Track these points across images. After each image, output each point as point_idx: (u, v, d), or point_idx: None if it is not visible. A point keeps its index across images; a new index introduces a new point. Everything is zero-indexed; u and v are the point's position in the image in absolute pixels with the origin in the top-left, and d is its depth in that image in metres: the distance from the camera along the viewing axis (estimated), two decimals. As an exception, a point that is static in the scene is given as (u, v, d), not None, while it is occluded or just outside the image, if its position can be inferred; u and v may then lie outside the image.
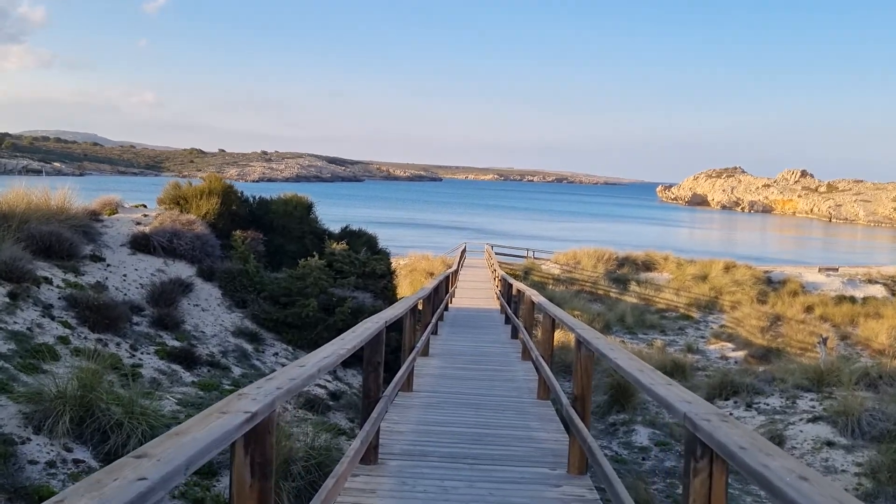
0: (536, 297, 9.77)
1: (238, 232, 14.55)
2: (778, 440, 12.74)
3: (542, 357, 8.14)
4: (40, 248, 11.65)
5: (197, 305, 12.75)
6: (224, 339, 11.72)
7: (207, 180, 15.63)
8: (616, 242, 53.06)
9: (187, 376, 9.58)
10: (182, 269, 13.77)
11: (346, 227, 18.10)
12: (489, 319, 18.36)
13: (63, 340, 8.93)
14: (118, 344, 9.69)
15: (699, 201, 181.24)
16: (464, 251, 38.78)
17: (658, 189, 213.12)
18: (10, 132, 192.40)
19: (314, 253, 14.10)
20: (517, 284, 13.83)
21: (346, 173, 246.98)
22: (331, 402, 10.38)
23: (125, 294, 11.81)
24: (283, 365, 11.87)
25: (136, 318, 10.99)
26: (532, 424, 7.17)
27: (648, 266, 42.07)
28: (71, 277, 11.30)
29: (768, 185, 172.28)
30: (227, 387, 9.52)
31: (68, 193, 13.52)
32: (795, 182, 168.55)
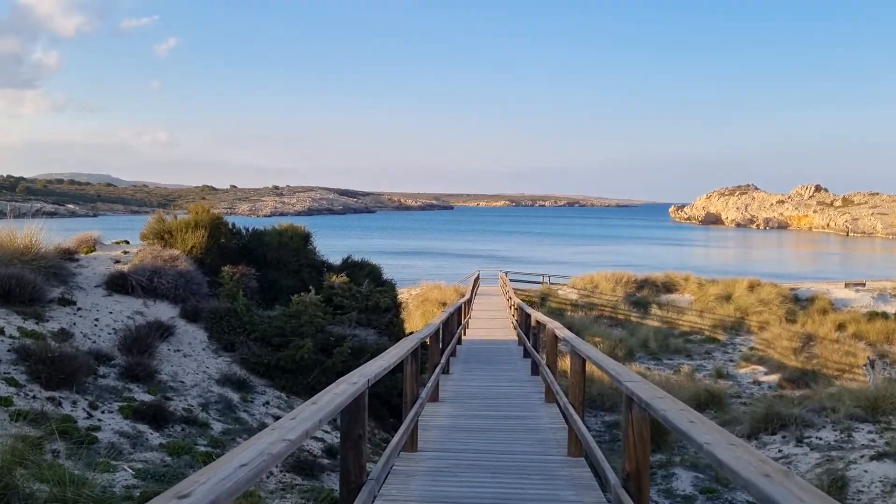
0: (561, 330, 8.34)
1: (227, 267, 13.23)
2: (840, 483, 11.17)
3: (573, 406, 6.70)
4: (-1, 292, 10.35)
5: (178, 351, 11.38)
6: (206, 389, 10.33)
7: (193, 212, 14.35)
8: (633, 265, 51.60)
9: (155, 438, 8.18)
10: (163, 311, 12.43)
11: (348, 257, 16.76)
12: (506, 353, 16.88)
13: (4, 402, 7.56)
14: (74, 402, 8.31)
15: (713, 220, 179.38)
16: (477, 279, 37.33)
17: (671, 209, 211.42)
18: (25, 176, 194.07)
19: (310, 287, 12.74)
20: (536, 315, 12.39)
21: (357, 205, 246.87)
22: (325, 461, 8.93)
23: (94, 342, 10.46)
24: (276, 417, 10.45)
25: (103, 370, 9.62)
26: (564, 495, 5.71)
27: (669, 287, 40.59)
28: (30, 325, 9.98)
29: (783, 202, 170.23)
30: (201, 449, 8.12)
31: (36, 232, 12.25)
32: (810, 197, 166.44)
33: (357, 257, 16.93)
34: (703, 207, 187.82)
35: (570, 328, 15.88)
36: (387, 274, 20.38)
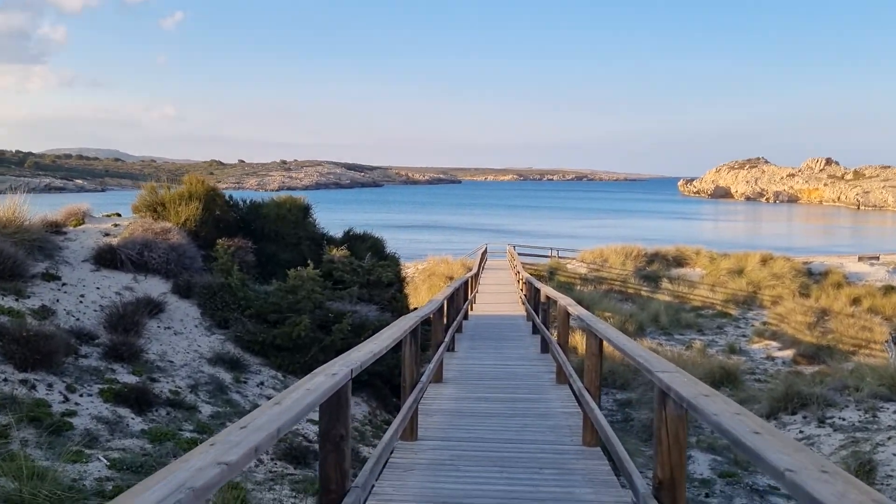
0: (574, 307, 7.69)
1: (222, 240, 12.60)
2: (868, 467, 10.55)
3: (588, 391, 6.07)
4: (-24, 267, 9.76)
5: (168, 328, 10.79)
6: (196, 369, 9.74)
7: (187, 183, 13.69)
8: (641, 238, 50.73)
9: (136, 423, 7.60)
10: (154, 286, 11.83)
11: (349, 230, 16.09)
12: (514, 328, 16.28)
13: (-29, 385, 6.98)
14: (50, 385, 7.72)
15: (722, 194, 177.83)
16: (484, 252, 36.64)
17: (679, 183, 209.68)
18: (34, 151, 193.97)
19: (309, 261, 12.11)
20: (546, 290, 11.73)
21: (365, 179, 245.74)
22: (321, 447, 8.33)
23: (77, 319, 9.87)
24: (269, 397, 9.87)
25: (85, 349, 9.04)
26: (580, 493, 5.09)
27: (679, 261, 39.90)
28: (9, 302, 9.39)
29: (793, 175, 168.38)
30: (186, 435, 7.54)
31: (19, 204, 11.63)
32: (821, 170, 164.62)
33: (359, 230, 16.26)
34: (713, 181, 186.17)
35: (579, 303, 15.20)
36: (392, 248, 19.75)
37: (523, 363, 11.15)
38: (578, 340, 21.90)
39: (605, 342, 5.77)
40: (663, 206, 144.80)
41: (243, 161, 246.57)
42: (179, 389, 8.91)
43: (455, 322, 12.37)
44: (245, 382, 10.06)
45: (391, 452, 5.99)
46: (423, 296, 29.22)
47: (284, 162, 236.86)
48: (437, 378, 9.28)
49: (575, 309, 7.58)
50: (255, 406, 9.38)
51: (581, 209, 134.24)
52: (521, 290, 20.94)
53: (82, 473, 6.07)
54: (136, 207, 13.86)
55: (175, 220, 13.15)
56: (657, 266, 38.44)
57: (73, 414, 7.30)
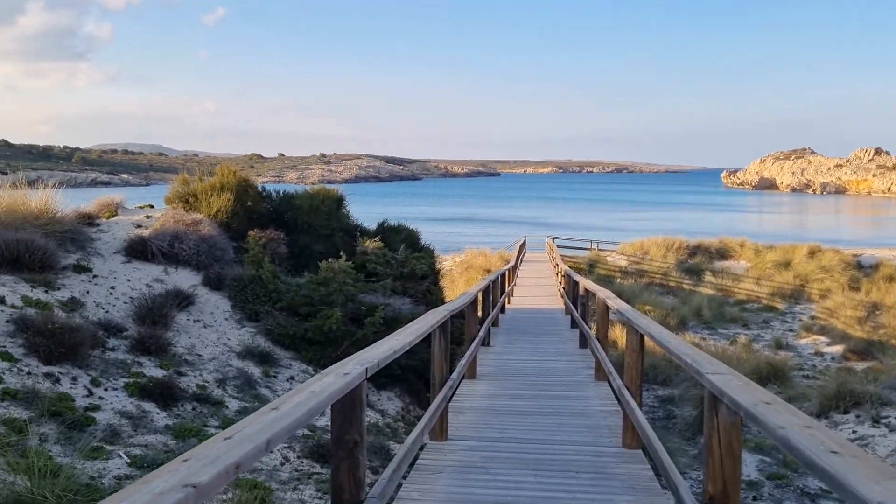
0: (613, 301, 7.30)
1: (253, 232, 12.42)
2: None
3: (628, 390, 5.69)
4: (7, 258, 9.67)
5: (198, 321, 10.62)
6: (225, 363, 9.54)
7: (219, 174, 13.53)
8: (684, 231, 49.75)
9: (161, 418, 7.40)
10: (184, 278, 11.69)
11: (383, 222, 15.82)
12: (552, 322, 15.88)
13: (-8, 379, 6.83)
14: (75, 379, 7.56)
15: (767, 185, 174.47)
16: (523, 245, 36.20)
17: (723, 174, 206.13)
18: (81, 147, 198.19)
19: (342, 253, 11.86)
20: (585, 283, 11.32)
21: (403, 172, 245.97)
22: (350, 445, 8.06)
23: (107, 311, 9.74)
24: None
25: (112, 342, 8.88)
26: (620, 501, 4.72)
27: (723, 254, 39.02)
28: (38, 294, 9.28)
29: (840, 166, 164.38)
30: (211, 431, 7.32)
31: (51, 196, 11.56)
32: (869, 160, 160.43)
33: (393, 222, 15.98)
34: (757, 172, 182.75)
35: (619, 296, 14.72)
36: (430, 240, 19.45)
37: (561, 359, 10.77)
38: (618, 335, 21.41)
39: (646, 338, 5.39)
40: (706, 199, 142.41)
41: (283, 155, 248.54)
42: (207, 384, 8.72)
43: (490, 316, 12.04)
44: (275, 377, 9.85)
45: (420, 450, 5.69)
46: (460, 288, 28.88)
47: (324, 155, 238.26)
48: (471, 374, 8.96)
49: (614, 302, 7.19)
50: (284, 401, 9.18)
51: (621, 201, 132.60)
52: (560, 282, 20.51)
53: (101, 471, 5.87)
54: (169, 199, 13.76)
55: (206, 211, 13.00)
56: (700, 259, 37.65)
57: (96, 408, 7.12)
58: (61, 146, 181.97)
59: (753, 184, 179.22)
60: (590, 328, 11.28)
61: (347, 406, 3.00)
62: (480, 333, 9.22)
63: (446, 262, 38.38)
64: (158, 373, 8.46)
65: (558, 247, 35.40)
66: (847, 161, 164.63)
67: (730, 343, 24.03)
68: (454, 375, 6.23)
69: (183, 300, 10.69)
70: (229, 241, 12.77)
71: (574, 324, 14.31)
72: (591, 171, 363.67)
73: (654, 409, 15.17)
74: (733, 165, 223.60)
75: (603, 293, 8.19)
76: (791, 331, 27.04)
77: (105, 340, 8.78)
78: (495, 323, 14.02)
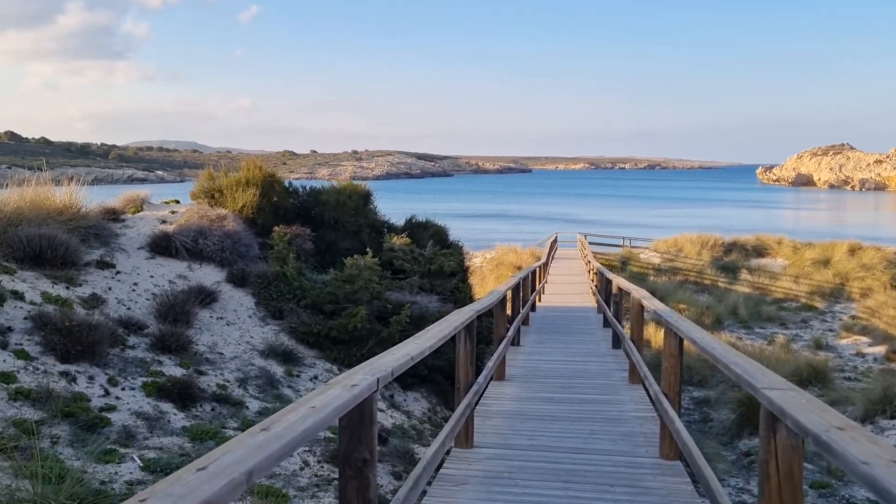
0: (649, 300, 6.91)
1: (278, 228, 12.19)
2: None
3: (666, 397, 5.32)
4: (28, 254, 9.54)
5: (221, 318, 10.41)
6: (247, 362, 9.31)
7: (244, 169, 13.32)
8: (719, 228, 48.85)
9: (178, 420, 7.17)
10: (208, 275, 11.49)
11: (411, 217, 15.52)
12: (584, 321, 15.47)
13: (6, 378, 6.65)
14: (91, 378, 7.37)
15: (804, 181, 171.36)
16: (554, 241, 35.71)
17: (758, 170, 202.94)
18: (118, 144, 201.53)
19: (368, 250, 11.59)
20: (618, 281, 10.92)
21: (435, 169, 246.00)
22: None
23: (128, 308, 9.56)
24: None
25: (133, 340, 8.69)
26: (659, 518, 4.36)
27: (760, 251, 38.22)
28: (59, 290, 9.12)
29: (880, 161, 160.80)
30: (229, 433, 7.07)
31: (76, 191, 11.43)
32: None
33: (422, 218, 15.67)
34: (794, 168, 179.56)
35: (652, 294, 14.25)
36: (460, 237, 19.12)
37: (593, 359, 10.39)
38: (652, 333, 20.92)
39: (687, 343, 5.01)
40: (741, 195, 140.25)
41: (315, 151, 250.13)
42: (227, 383, 8.48)
43: (521, 314, 11.70)
44: (298, 376, 9.60)
45: (446, 455, 5.38)
46: (490, 285, 28.52)
47: (356, 152, 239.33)
48: (500, 375, 8.62)
49: (650, 302, 6.80)
50: (307, 402, 8.93)
51: (654, 198, 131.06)
52: (592, 280, 20.08)
53: (112, 475, 5.64)
54: (194, 194, 13.59)
55: (232, 206, 12.81)
56: (735, 256, 36.92)
57: (111, 409, 6.91)
58: (98, 143, 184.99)
59: (790, 180, 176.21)
60: (623, 328, 10.89)
61: (356, 420, 2.70)
62: (509, 334, 8.88)
63: (476, 259, 38.05)
64: (178, 372, 8.25)
65: (590, 244, 34.89)
66: (887, 157, 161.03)
67: (767, 343, 23.40)
68: (480, 379, 5.90)
69: (206, 297, 10.50)
70: (254, 238, 12.56)
71: (606, 323, 13.91)
72: (624, 168, 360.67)
73: (690, 411, 14.71)
74: (769, 161, 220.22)
75: (638, 292, 7.81)
76: (831, 331, 26.28)
77: (125, 338, 8.59)
78: (525, 321, 13.67)
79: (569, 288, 23.02)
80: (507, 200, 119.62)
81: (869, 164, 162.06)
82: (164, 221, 12.52)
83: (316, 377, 9.76)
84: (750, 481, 10.11)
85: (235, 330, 10.23)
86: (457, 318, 5.16)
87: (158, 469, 5.84)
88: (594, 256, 26.64)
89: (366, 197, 14.57)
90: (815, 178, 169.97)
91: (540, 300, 18.70)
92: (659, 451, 5.64)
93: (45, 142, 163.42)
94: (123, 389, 7.38)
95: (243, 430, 7.29)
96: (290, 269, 11.16)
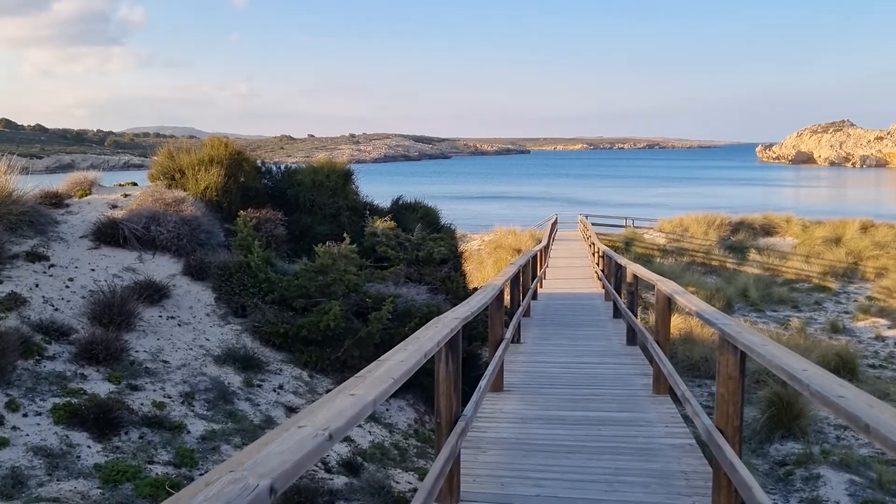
0: (685, 298, 5.43)
1: (243, 212, 10.69)
2: None
3: (723, 433, 3.85)
4: (-61, 246, 8.04)
5: (173, 318, 8.92)
6: (197, 371, 7.83)
7: (208, 146, 11.79)
8: (722, 206, 47.40)
9: (91, 454, 5.69)
10: (162, 266, 9.99)
11: (398, 198, 13.99)
12: (590, 310, 14.02)
13: None
14: (-15, 402, 5.88)
15: (804, 159, 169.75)
16: (555, 223, 34.22)
17: (758, 149, 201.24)
18: (114, 130, 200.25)
19: (346, 235, 10.09)
20: (635, 268, 9.41)
21: (433, 151, 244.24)
22: (341, 484, 6.28)
23: (56, 309, 8.06)
24: (290, 407, 7.92)
25: (54, 349, 7.20)
26: None
27: (768, 230, 36.87)
28: (-31, 289, 7.63)
29: (881, 138, 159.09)
30: (156, 472, 5.59)
31: (8, 172, 9.90)
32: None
33: (410, 199, 14.13)
34: (794, 146, 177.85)
35: (662, 275, 12.80)
36: (458, 218, 17.66)
37: (606, 360, 8.91)
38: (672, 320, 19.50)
39: (744, 355, 3.54)
40: (742, 173, 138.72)
41: (313, 135, 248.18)
42: (168, 399, 7.00)
43: (521, 307, 10.21)
44: (259, 386, 8.11)
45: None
46: (489, 271, 27.06)
47: (353, 136, 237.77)
48: (497, 386, 7.15)
49: (686, 300, 5.32)
50: (266, 420, 7.44)
51: (654, 177, 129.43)
52: (597, 263, 18.61)
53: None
54: (152, 175, 12.06)
55: (194, 189, 11.29)
56: (743, 235, 35.56)
57: (4, 443, 5.44)
58: (95, 130, 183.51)
59: (790, 158, 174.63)
60: (639, 321, 9.42)
61: None
62: (507, 335, 7.39)
63: (474, 242, 36.58)
64: (105, 388, 6.76)
65: (592, 224, 33.35)
66: (888, 133, 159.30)
67: (782, 327, 22.03)
68: (467, 412, 4.40)
69: (155, 293, 9.00)
70: (219, 223, 11.06)
71: (617, 313, 12.48)
72: (623, 148, 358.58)
73: (707, 409, 13.23)
74: (768, 140, 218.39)
75: (666, 285, 6.32)
76: (846, 313, 24.89)
77: (43, 347, 7.10)
78: (526, 313, 12.22)
79: (572, 272, 21.57)
80: (506, 182, 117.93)
81: (869, 141, 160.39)
82: (114, 206, 11.00)
83: (281, 386, 8.28)
84: (790, 499, 8.67)
85: (188, 331, 8.74)
86: (435, 333, 3.67)
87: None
88: (597, 237, 25.16)
89: (346, 176, 13.04)
90: (816, 156, 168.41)
91: (541, 286, 17.26)
92: (711, 500, 4.17)
93: (40, 129, 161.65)
94: (26, 416, 5.90)
95: (177, 465, 5.82)
96: (255, 258, 9.67)
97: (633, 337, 9.83)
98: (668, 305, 6.65)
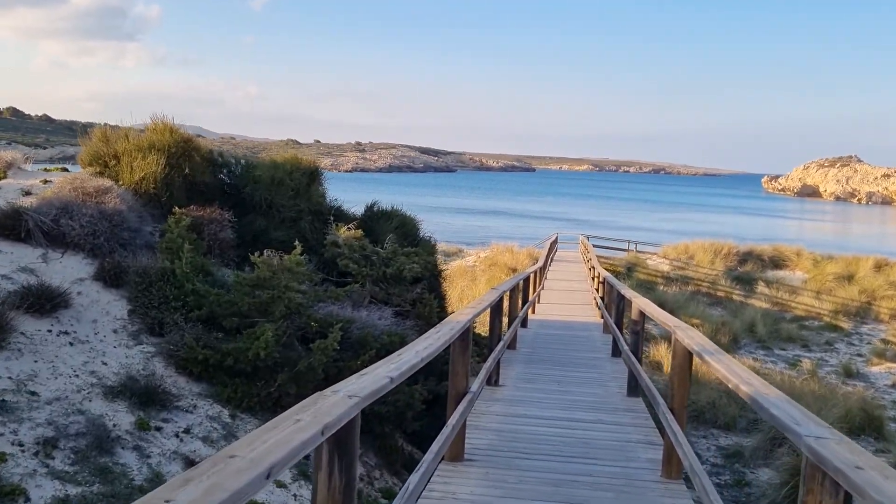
0: (717, 360, 3.70)
1: (180, 209, 8.96)
2: None
3: None
4: None
5: (67, 333, 7.16)
6: (73, 408, 6.06)
7: (151, 130, 10.09)
8: (728, 235, 45.73)
9: None
10: (71, 268, 8.25)
11: (372, 204, 12.25)
12: (586, 344, 12.29)
13: None
14: None
15: (810, 192, 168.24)
16: (554, 242, 32.47)
17: (764, 180, 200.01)
18: (120, 125, 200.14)
19: (296, 243, 8.36)
20: (642, 303, 7.62)
21: (438, 163, 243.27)
22: None
23: None
24: (189, 459, 6.15)
25: None
26: None
27: (777, 263, 35.27)
28: None
29: (888, 175, 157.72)
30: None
31: None
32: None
33: (386, 206, 12.36)
34: (800, 179, 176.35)
35: (662, 306, 10.98)
36: (454, 232, 16.07)
37: (603, 416, 7.14)
38: (663, 354, 17.76)
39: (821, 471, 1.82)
40: (747, 203, 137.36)
41: (319, 141, 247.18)
42: (15, 449, 5.25)
43: (503, 341, 8.45)
44: (158, 430, 6.34)
45: None
46: (481, 289, 25.31)
47: (359, 143, 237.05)
48: (455, 454, 5.38)
49: (717, 361, 3.57)
50: (154, 478, 5.66)
51: (659, 202, 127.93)
52: (597, 289, 16.86)
53: None
54: (83, 160, 10.35)
55: (129, 178, 9.57)
56: (751, 266, 33.95)
57: None
58: (102, 124, 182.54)
59: (795, 190, 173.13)
60: (643, 370, 7.66)
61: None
62: (474, 388, 5.60)
63: (470, 258, 34.87)
64: (-75, 431, 5.02)
65: (593, 246, 31.62)
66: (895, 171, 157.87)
67: (792, 368, 20.30)
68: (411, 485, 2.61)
69: (49, 301, 7.26)
70: (152, 221, 9.33)
71: (615, 350, 10.74)
72: (628, 171, 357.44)
73: (718, 469, 11.45)
74: (774, 171, 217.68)
75: (685, 334, 4.58)
76: (860, 355, 23.15)
77: None
78: (512, 344, 10.48)
79: (569, 297, 19.83)
80: (509, 198, 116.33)
81: (876, 178, 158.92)
82: (27, 193, 9.28)
83: (188, 430, 6.51)
84: None
85: (82, 352, 6.98)
86: (310, 424, 1.92)
87: None
88: (598, 261, 23.42)
89: (311, 175, 11.28)
90: (822, 190, 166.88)
91: (534, 312, 15.52)
92: None
93: (46, 119, 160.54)
94: None
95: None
96: (182, 265, 7.92)
97: (634, 386, 8.07)
98: (689, 362, 4.91)
